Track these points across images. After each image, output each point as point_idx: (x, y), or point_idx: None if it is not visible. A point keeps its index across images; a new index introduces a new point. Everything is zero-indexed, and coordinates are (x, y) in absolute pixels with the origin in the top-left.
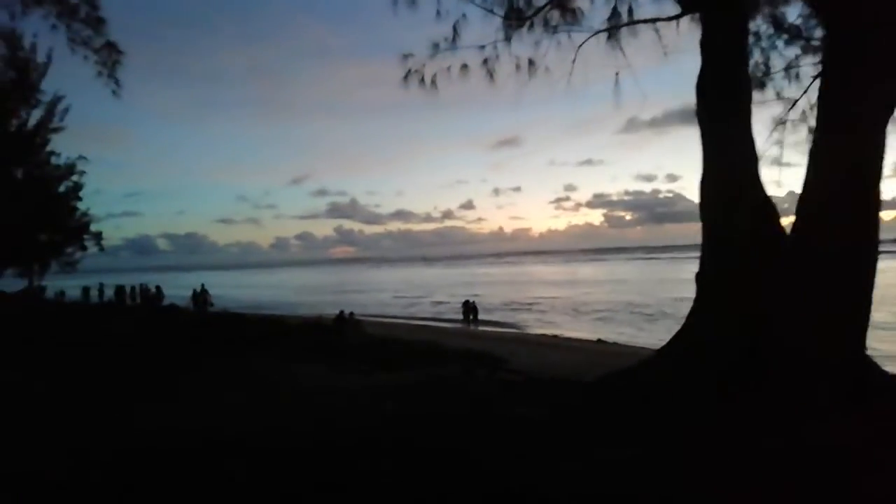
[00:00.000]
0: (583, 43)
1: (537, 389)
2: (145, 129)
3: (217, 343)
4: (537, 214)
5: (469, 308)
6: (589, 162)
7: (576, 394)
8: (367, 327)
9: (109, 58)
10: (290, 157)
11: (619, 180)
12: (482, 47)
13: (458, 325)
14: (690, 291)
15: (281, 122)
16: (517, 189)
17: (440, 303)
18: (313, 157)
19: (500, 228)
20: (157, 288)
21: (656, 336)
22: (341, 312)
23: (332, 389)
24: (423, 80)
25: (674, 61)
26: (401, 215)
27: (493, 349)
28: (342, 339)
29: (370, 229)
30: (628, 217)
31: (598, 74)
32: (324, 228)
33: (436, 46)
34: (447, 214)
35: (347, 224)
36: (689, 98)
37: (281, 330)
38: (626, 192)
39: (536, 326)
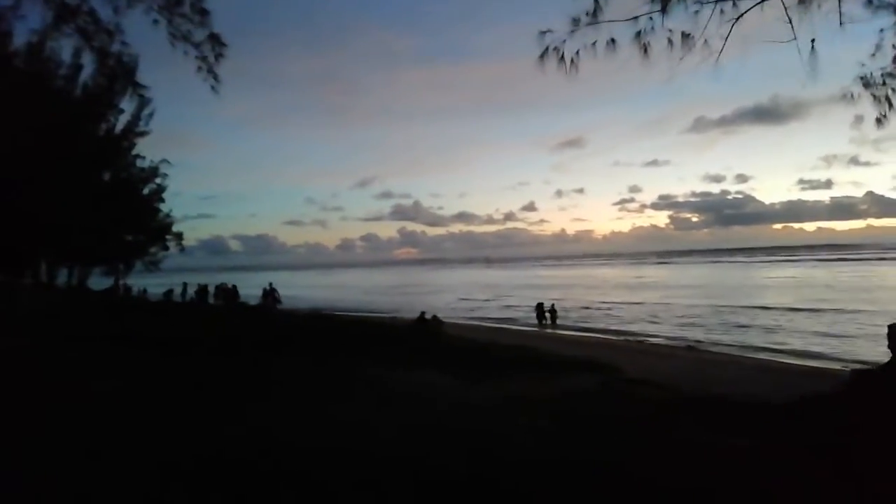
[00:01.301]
0: (739, 17)
1: (718, 412)
2: (218, 135)
3: (317, 345)
4: (600, 216)
5: (543, 310)
6: (654, 163)
7: (787, 421)
8: (446, 329)
9: (213, 50)
10: (356, 161)
11: (685, 181)
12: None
13: (535, 328)
14: (772, 297)
15: (347, 126)
16: (580, 190)
17: (509, 306)
18: (378, 160)
19: (563, 230)
20: (234, 287)
21: (748, 342)
22: (422, 314)
23: (463, 404)
24: (562, 57)
25: (743, 57)
26: (463, 217)
27: (591, 355)
28: (440, 342)
29: (433, 231)
30: (695, 219)
31: (663, 73)
32: (388, 230)
33: (576, 22)
34: (509, 216)
35: (410, 226)
36: (762, 95)
37: (377, 332)
38: (693, 194)
39: (617, 331)
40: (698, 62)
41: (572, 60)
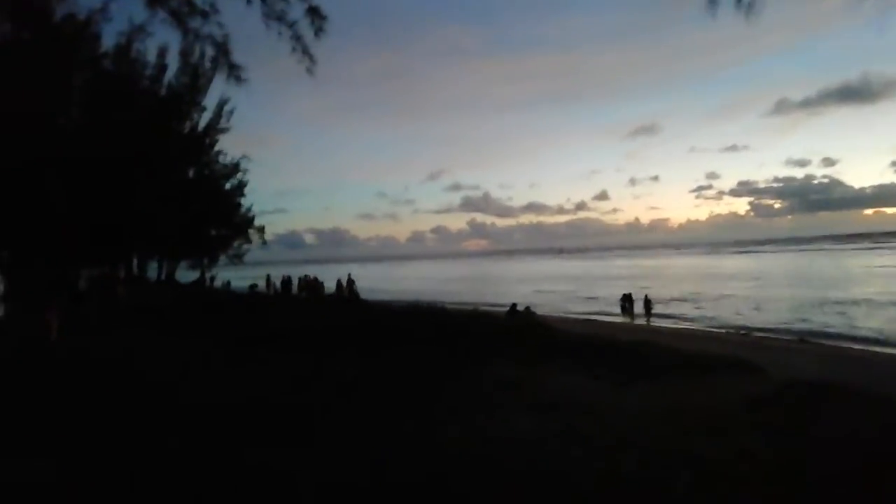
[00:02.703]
0: None
1: None
2: (291, 132)
3: (434, 339)
4: (676, 204)
5: (630, 302)
6: (733, 148)
7: None
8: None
9: (312, 25)
10: (426, 154)
11: (766, 166)
12: None
13: (626, 321)
14: (869, 287)
15: (417, 120)
16: (655, 178)
17: (591, 298)
18: (448, 153)
19: (637, 219)
20: (316, 279)
21: (864, 334)
22: (514, 305)
23: (629, 411)
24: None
25: (828, 36)
26: (533, 207)
27: (702, 349)
28: (557, 337)
29: (502, 222)
30: (777, 205)
31: (741, 54)
32: (457, 222)
33: None
34: (581, 206)
35: (480, 217)
36: (849, 74)
37: (487, 325)
38: (775, 179)
39: (717, 322)
40: (779, 41)
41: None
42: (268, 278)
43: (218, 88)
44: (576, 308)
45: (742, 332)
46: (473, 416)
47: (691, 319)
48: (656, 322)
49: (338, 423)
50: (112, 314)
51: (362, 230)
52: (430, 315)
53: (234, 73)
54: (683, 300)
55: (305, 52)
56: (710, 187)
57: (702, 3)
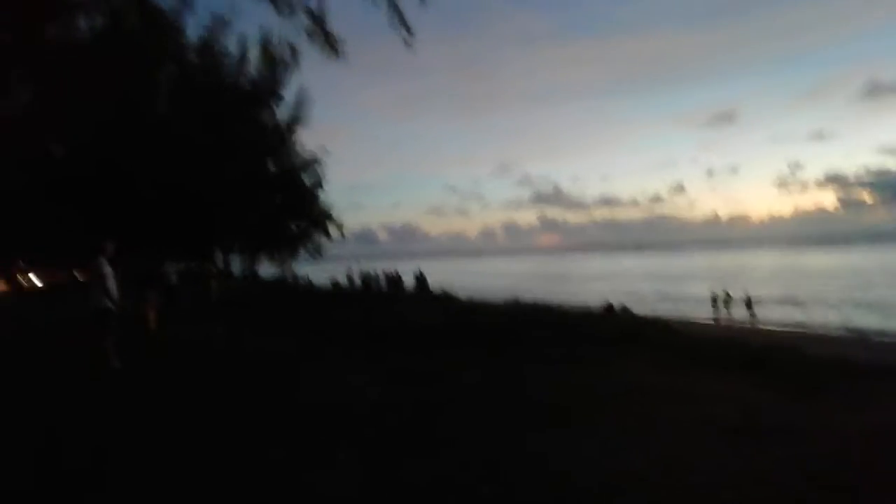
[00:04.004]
0: None
1: None
2: (359, 124)
3: (558, 339)
4: (757, 197)
5: (724, 300)
6: (819, 136)
7: None
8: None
9: None
10: (495, 146)
11: (856, 155)
12: None
13: (719, 320)
14: None
15: (485, 111)
16: (733, 169)
17: (679, 298)
18: (517, 145)
19: (715, 213)
20: (398, 274)
21: None
22: (609, 304)
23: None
24: None
25: None
26: (605, 201)
27: (837, 354)
28: (678, 338)
29: (574, 217)
30: (868, 198)
31: (829, 33)
32: (527, 217)
33: None
34: (655, 199)
35: (551, 212)
36: None
37: (610, 324)
38: (867, 170)
39: (827, 323)
40: (872, 18)
41: None
42: (349, 272)
43: (297, 80)
44: (662, 307)
45: (859, 334)
46: (655, 440)
47: (797, 320)
48: (767, 325)
49: (474, 430)
50: (206, 308)
51: (432, 226)
52: (542, 313)
53: (331, 45)
54: (781, 300)
55: (403, 22)
56: (793, 179)
57: None
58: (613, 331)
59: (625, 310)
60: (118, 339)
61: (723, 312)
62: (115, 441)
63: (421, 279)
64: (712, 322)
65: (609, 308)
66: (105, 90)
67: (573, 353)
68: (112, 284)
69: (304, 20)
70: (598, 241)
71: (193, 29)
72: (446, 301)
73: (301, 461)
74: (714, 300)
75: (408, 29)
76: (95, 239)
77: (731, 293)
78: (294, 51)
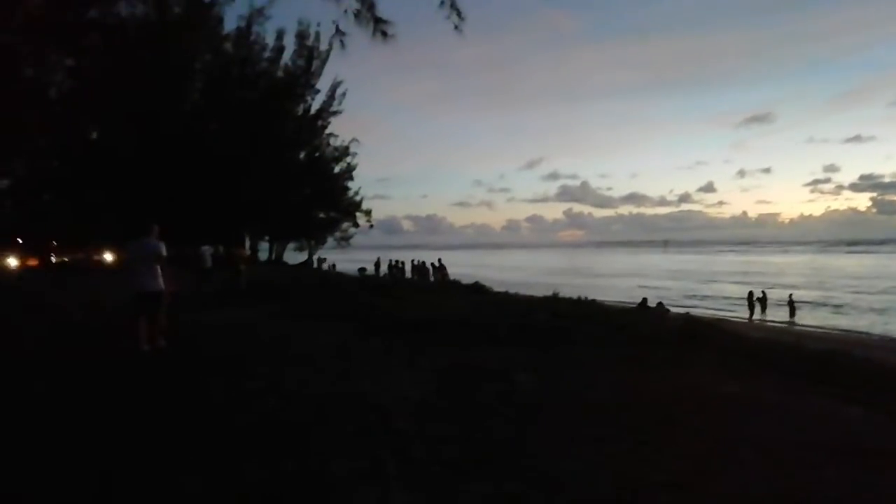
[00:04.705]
0: None
1: None
2: (390, 118)
3: (609, 339)
4: (788, 198)
5: (758, 301)
6: (857, 138)
7: None
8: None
9: None
10: (524, 142)
11: (894, 158)
12: None
13: (754, 320)
14: None
15: (514, 108)
16: (766, 170)
17: (706, 296)
18: (546, 141)
19: (744, 213)
20: (424, 263)
21: None
22: (644, 300)
23: None
24: None
25: None
26: (633, 198)
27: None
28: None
29: (600, 213)
30: None
31: (868, 36)
32: (553, 212)
33: None
34: (684, 198)
35: (577, 207)
36: None
37: (655, 324)
38: None
39: (871, 328)
40: None
41: None
42: (377, 262)
43: (331, 71)
44: (691, 305)
45: None
46: (757, 464)
47: (836, 324)
48: (808, 327)
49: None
50: (237, 293)
51: (458, 218)
52: (588, 308)
53: (380, 28)
54: (817, 301)
55: (454, 6)
56: (827, 181)
57: None
58: (671, 331)
59: (660, 305)
60: (163, 322)
61: (758, 313)
62: (142, 426)
63: (439, 268)
64: (748, 322)
65: (643, 304)
66: (143, 77)
67: (633, 353)
68: (159, 266)
69: (352, 2)
70: (623, 237)
71: (231, 20)
72: (480, 293)
73: (346, 470)
74: (750, 300)
75: (458, 13)
76: (142, 220)
77: (755, 293)
78: (340, 33)
